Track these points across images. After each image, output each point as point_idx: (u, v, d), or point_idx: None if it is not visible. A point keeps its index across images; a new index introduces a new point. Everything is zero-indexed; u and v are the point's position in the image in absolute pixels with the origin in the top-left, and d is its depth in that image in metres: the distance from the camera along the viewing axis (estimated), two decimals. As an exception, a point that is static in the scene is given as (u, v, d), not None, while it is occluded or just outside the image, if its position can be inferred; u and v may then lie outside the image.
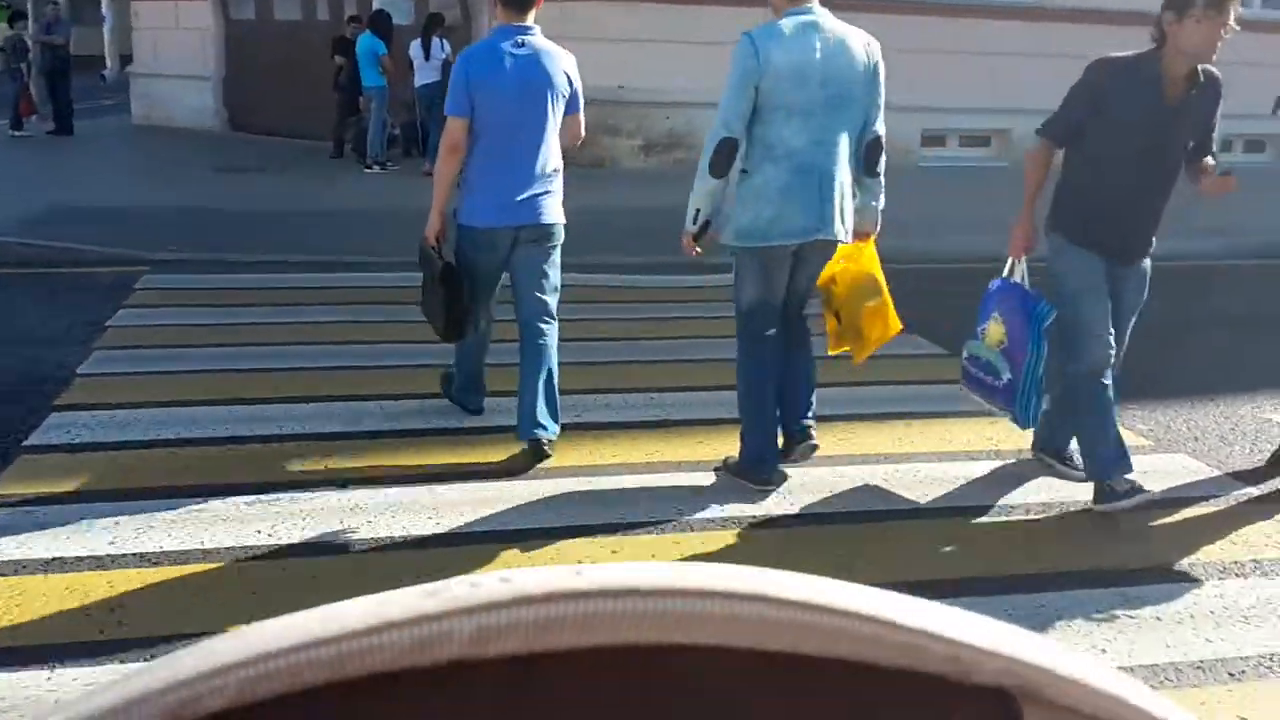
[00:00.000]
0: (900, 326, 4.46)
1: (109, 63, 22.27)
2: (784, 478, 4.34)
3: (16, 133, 16.05)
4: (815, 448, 4.27)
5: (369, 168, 13.30)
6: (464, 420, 4.98)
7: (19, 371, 5.58)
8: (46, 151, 14.98)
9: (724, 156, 3.94)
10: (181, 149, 15.26)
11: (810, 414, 4.27)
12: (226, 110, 17.32)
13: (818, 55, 3.82)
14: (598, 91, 14.16)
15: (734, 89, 3.91)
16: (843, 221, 4.00)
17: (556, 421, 4.44)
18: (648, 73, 14.04)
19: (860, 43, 3.95)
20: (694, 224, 4.06)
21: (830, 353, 4.60)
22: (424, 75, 12.93)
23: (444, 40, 12.99)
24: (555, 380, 4.45)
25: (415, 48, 12.95)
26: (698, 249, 4.12)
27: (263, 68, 16.68)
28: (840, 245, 4.13)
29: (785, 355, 4.21)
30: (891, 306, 4.38)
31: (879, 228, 4.30)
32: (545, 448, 4.43)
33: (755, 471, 4.27)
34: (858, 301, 4.33)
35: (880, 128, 4.06)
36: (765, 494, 4.25)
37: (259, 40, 16.82)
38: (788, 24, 3.88)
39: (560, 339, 4.61)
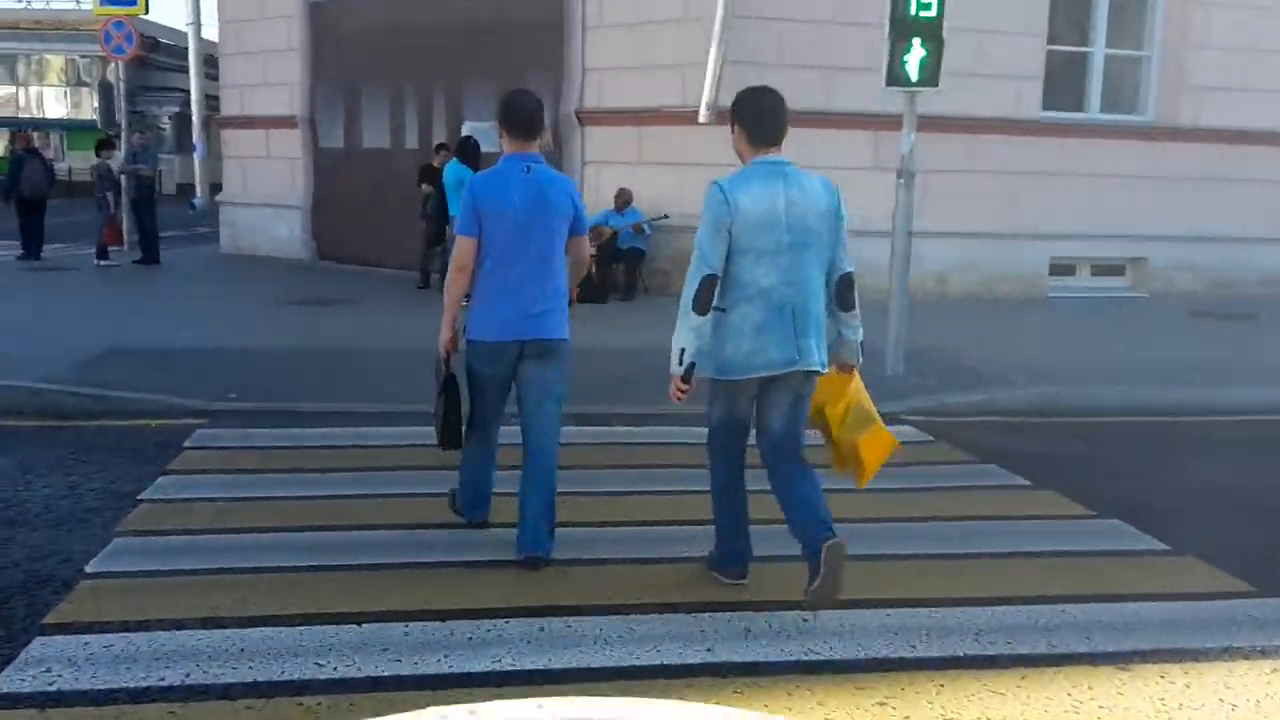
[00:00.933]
0: (897, 443, 4.64)
1: (199, 191, 22.12)
2: (744, 573, 4.52)
3: (101, 262, 15.60)
4: (842, 547, 4.10)
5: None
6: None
7: (21, 568, 4.54)
8: (128, 282, 14.43)
9: (706, 291, 4.10)
10: (266, 280, 14.61)
11: (827, 530, 4.16)
12: (314, 240, 16.75)
13: (782, 202, 4.11)
14: (693, 219, 13.34)
15: (708, 231, 4.13)
16: (820, 353, 4.21)
17: (552, 539, 4.72)
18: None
19: (822, 189, 4.22)
20: (680, 365, 4.14)
21: (834, 473, 4.64)
22: None
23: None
24: (554, 496, 4.74)
25: None
26: (683, 392, 4.15)
27: (350, 197, 16.14)
28: (822, 377, 4.33)
29: (789, 486, 4.30)
30: (884, 428, 4.54)
31: (860, 360, 4.47)
32: (540, 563, 4.64)
33: (729, 566, 4.51)
34: (853, 434, 4.48)
35: (848, 265, 4.29)
36: (740, 585, 4.48)
37: (347, 169, 16.30)
38: (755, 173, 4.21)
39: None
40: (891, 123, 13.53)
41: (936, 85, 8.66)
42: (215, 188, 19.53)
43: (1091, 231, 14.09)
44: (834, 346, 4.35)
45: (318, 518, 5.27)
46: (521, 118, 4.66)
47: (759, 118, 4.29)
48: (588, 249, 4.91)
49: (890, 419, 7.74)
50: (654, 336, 5.80)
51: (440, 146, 13.87)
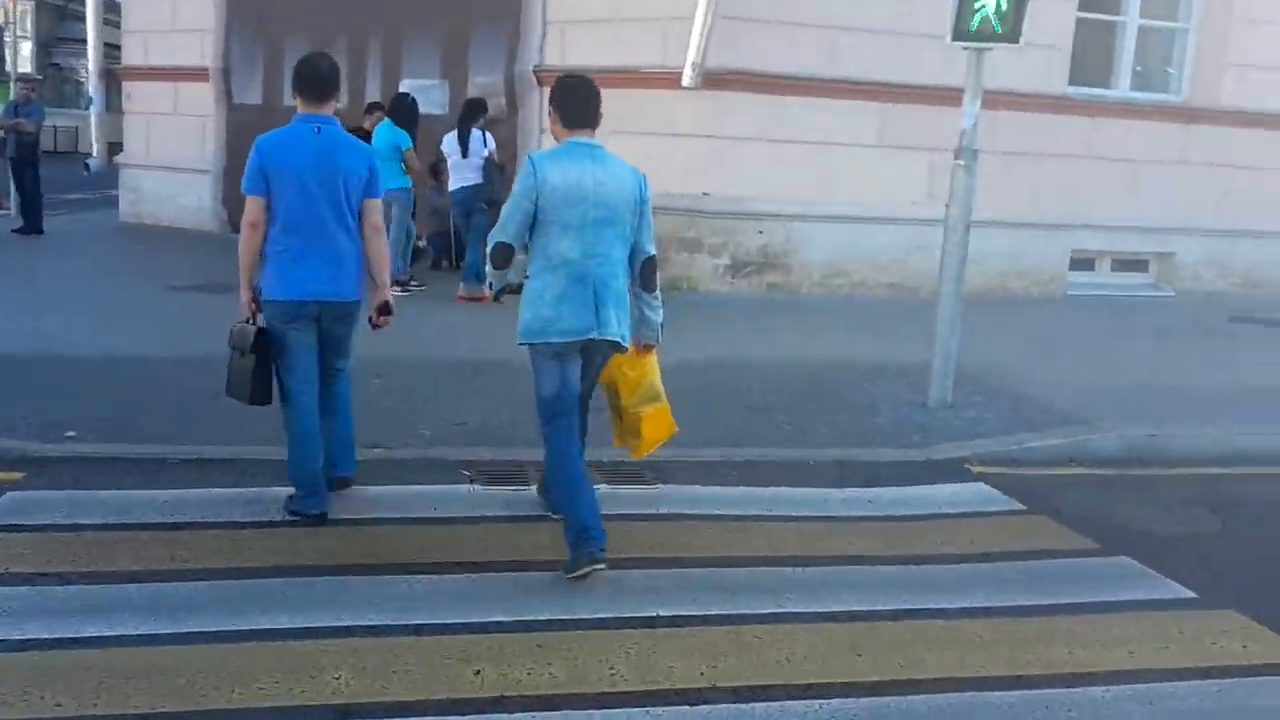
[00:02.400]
0: (676, 429, 4.87)
1: (95, 150, 19.50)
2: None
3: (-26, 231, 13.21)
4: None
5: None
6: None
7: None
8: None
9: (500, 257, 4.40)
10: (164, 257, 12.32)
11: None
12: (226, 210, 14.43)
13: (590, 180, 4.30)
14: (676, 199, 11.27)
15: (513, 201, 4.30)
16: (620, 326, 4.37)
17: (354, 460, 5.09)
18: (737, 177, 11.08)
19: (629, 173, 4.44)
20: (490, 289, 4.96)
21: (615, 445, 4.95)
22: (460, 176, 9.99)
23: (486, 134, 10.07)
24: (352, 428, 5.10)
25: (450, 142, 10.04)
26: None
27: (269, 162, 13.85)
28: (622, 352, 4.53)
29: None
30: (669, 412, 4.78)
31: (660, 340, 4.66)
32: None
33: (582, 545, 4.28)
34: (638, 406, 4.72)
35: (651, 249, 4.48)
36: (600, 563, 4.25)
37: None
38: (566, 151, 4.39)
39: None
40: (902, 93, 11.43)
41: (1018, 40, 6.72)
42: (115, 147, 17.03)
43: (1115, 222, 12.30)
44: (636, 325, 4.53)
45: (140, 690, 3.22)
46: (313, 78, 4.75)
47: (574, 104, 4.48)
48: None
49: (952, 469, 5.91)
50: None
51: (373, 106, 11.66)
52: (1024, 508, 5.42)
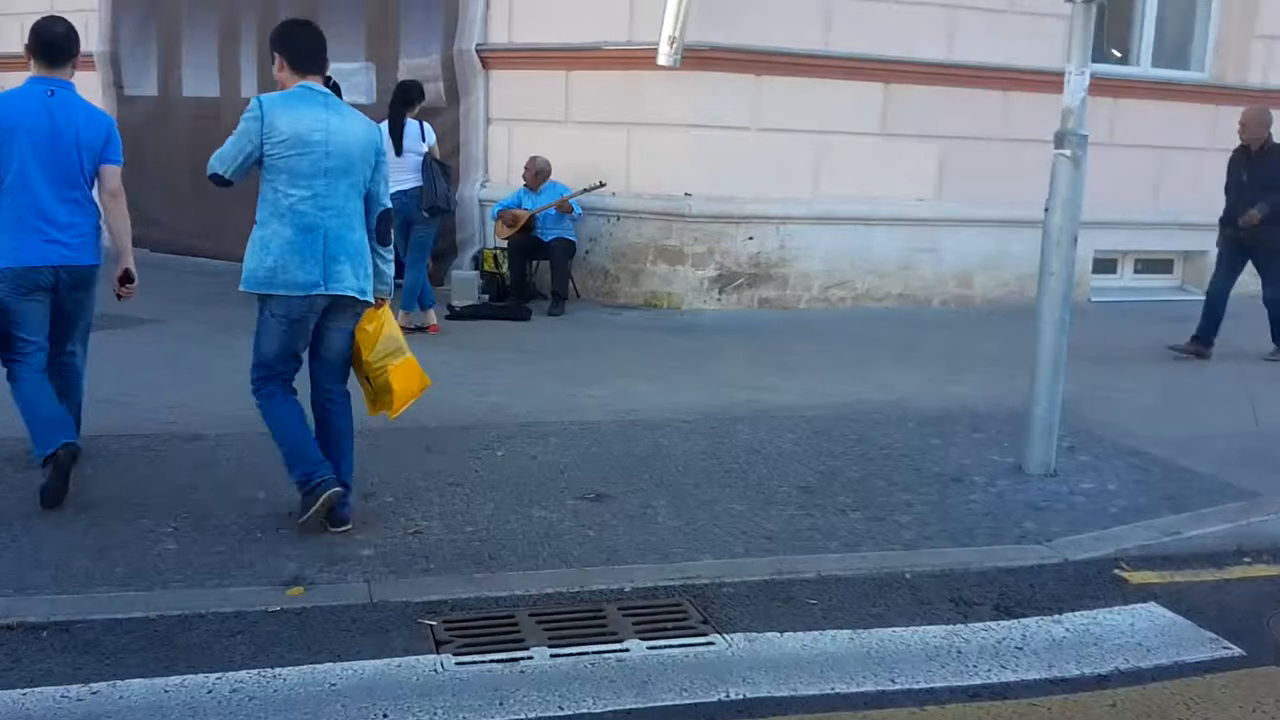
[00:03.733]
0: (429, 381, 4.62)
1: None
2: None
3: None
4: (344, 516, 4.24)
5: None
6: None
7: None
8: None
9: (216, 182, 4.15)
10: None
11: (348, 479, 4.33)
12: (119, 219, 12.30)
13: (324, 127, 4.07)
14: (650, 201, 9.46)
15: (235, 140, 4.09)
16: (358, 280, 4.18)
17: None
18: (723, 173, 9.30)
19: (363, 123, 4.25)
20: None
21: (370, 415, 4.65)
22: (394, 178, 7.95)
23: (424, 125, 8.13)
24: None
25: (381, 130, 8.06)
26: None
27: (167, 163, 11.79)
28: (365, 307, 4.30)
29: (327, 421, 4.39)
30: (416, 362, 4.52)
31: (392, 292, 4.51)
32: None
33: (314, 497, 4.18)
34: (382, 360, 4.46)
35: (387, 201, 4.35)
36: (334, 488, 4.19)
37: (163, 125, 11.93)
38: (298, 96, 4.13)
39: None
40: (909, 73, 9.62)
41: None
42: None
43: (1138, 218, 10.75)
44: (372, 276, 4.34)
45: None
46: (48, 42, 4.53)
47: (303, 46, 4.20)
48: (118, 180, 4.66)
49: (1100, 578, 4.21)
50: (622, 382, 5.72)
51: (286, 94, 9.72)
52: (1240, 651, 3.71)
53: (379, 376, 4.45)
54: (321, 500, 4.15)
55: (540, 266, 9.59)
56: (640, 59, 9.02)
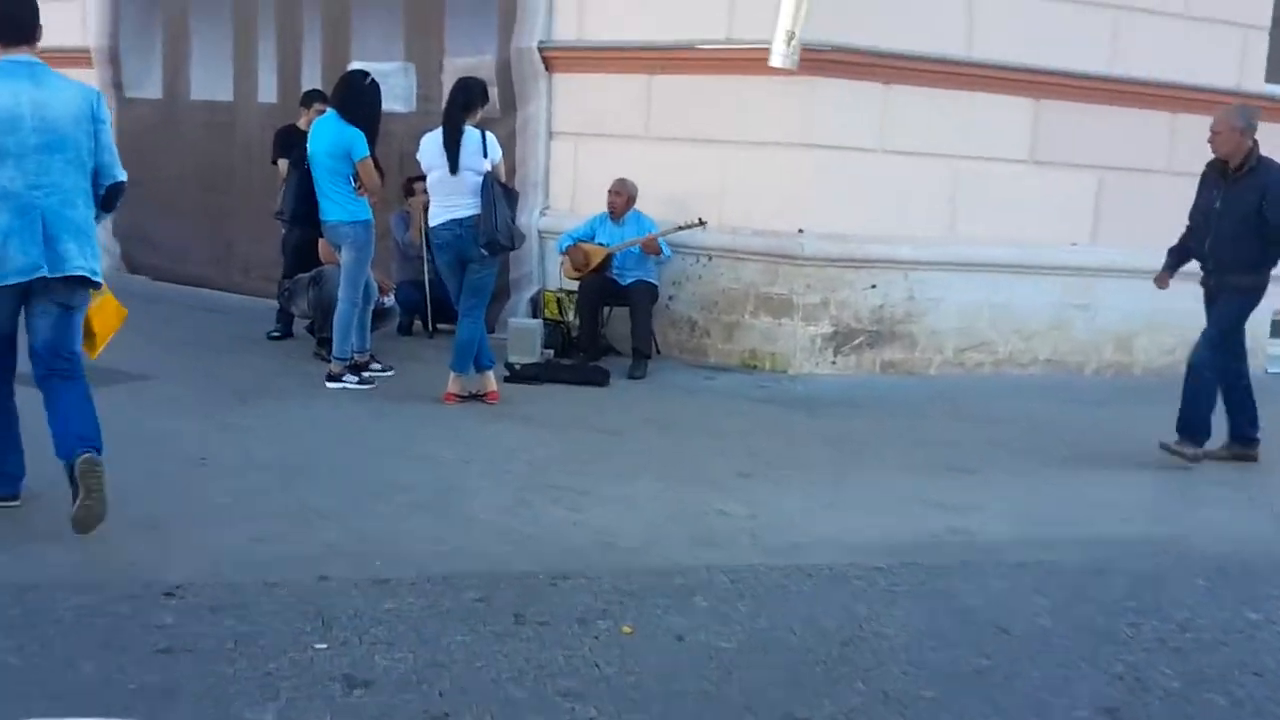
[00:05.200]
0: (125, 312, 4.32)
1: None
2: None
3: None
4: (95, 462, 3.82)
5: (337, 374, 6.46)
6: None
7: None
8: None
9: None
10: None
11: (86, 445, 3.86)
12: (117, 243, 10.50)
13: (27, 102, 3.80)
14: (752, 238, 7.72)
15: None
16: (83, 259, 3.88)
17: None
18: (843, 206, 7.50)
19: (76, 92, 3.92)
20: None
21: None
22: (447, 202, 6.09)
23: (487, 135, 6.26)
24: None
25: (430, 148, 6.16)
26: None
27: (173, 177, 10.02)
28: (94, 287, 3.97)
29: (53, 400, 3.97)
30: (113, 297, 4.24)
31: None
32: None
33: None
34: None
35: (120, 174, 4.04)
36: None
37: (168, 133, 10.14)
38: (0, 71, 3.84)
39: None
40: (1064, 87, 7.67)
41: None
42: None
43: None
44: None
45: None
46: (9, 13, 3.88)
47: (6, 16, 3.85)
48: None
49: None
50: (758, 489, 4.74)
51: (311, 96, 7.90)
52: None
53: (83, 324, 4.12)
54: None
55: (613, 314, 7.78)
56: (742, 61, 7.22)
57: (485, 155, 6.02)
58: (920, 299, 7.67)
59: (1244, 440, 5.90)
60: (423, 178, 7.99)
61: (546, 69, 8.08)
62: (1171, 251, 6.15)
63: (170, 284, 9.89)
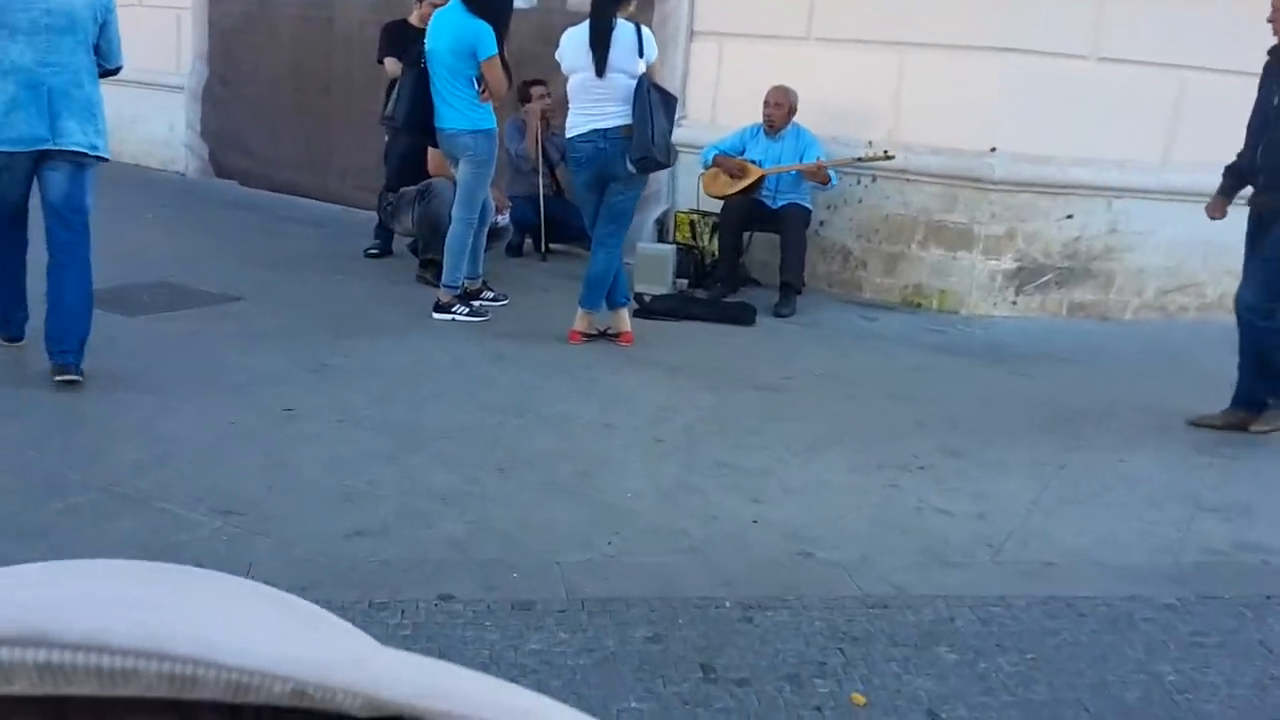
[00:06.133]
0: None
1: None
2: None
3: None
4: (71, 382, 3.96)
5: (446, 304, 5.51)
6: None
7: None
8: None
9: None
10: (123, 205, 7.63)
11: (71, 357, 4.00)
12: (207, 145, 9.68)
13: None
14: (932, 156, 6.56)
15: None
16: (85, 135, 3.95)
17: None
18: (1040, 122, 6.27)
19: None
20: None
21: None
22: (591, 109, 4.96)
23: (641, 30, 5.11)
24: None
25: (572, 45, 5.04)
26: None
27: (268, 77, 9.13)
28: (97, 161, 4.06)
29: (54, 288, 4.05)
30: None
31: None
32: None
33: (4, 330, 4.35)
34: None
35: (120, 60, 4.15)
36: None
37: (264, 30, 9.20)
38: None
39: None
40: None
41: None
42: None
43: None
44: None
45: None
46: None
47: None
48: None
49: None
50: (971, 471, 3.84)
51: (421, -16, 6.87)
52: None
53: None
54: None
55: (754, 240, 6.69)
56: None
57: (641, 54, 4.92)
58: (1123, 232, 6.44)
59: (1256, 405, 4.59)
60: (541, 81, 7.03)
61: (688, -47, 6.92)
62: (1229, 170, 4.78)
63: (261, 190, 9.05)
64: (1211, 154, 6.42)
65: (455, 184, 5.77)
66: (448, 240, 5.44)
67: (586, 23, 4.99)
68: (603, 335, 5.29)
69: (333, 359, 4.70)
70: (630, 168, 4.96)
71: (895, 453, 4.03)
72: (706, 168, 6.52)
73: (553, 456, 3.76)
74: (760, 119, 6.46)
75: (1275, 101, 4.53)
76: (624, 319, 5.29)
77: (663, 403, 4.44)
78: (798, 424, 4.31)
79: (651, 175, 6.99)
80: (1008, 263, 6.31)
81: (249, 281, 5.92)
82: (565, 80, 5.16)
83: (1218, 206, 4.83)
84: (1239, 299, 4.60)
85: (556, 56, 5.16)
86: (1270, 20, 4.52)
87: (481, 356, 4.91)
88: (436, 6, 6.26)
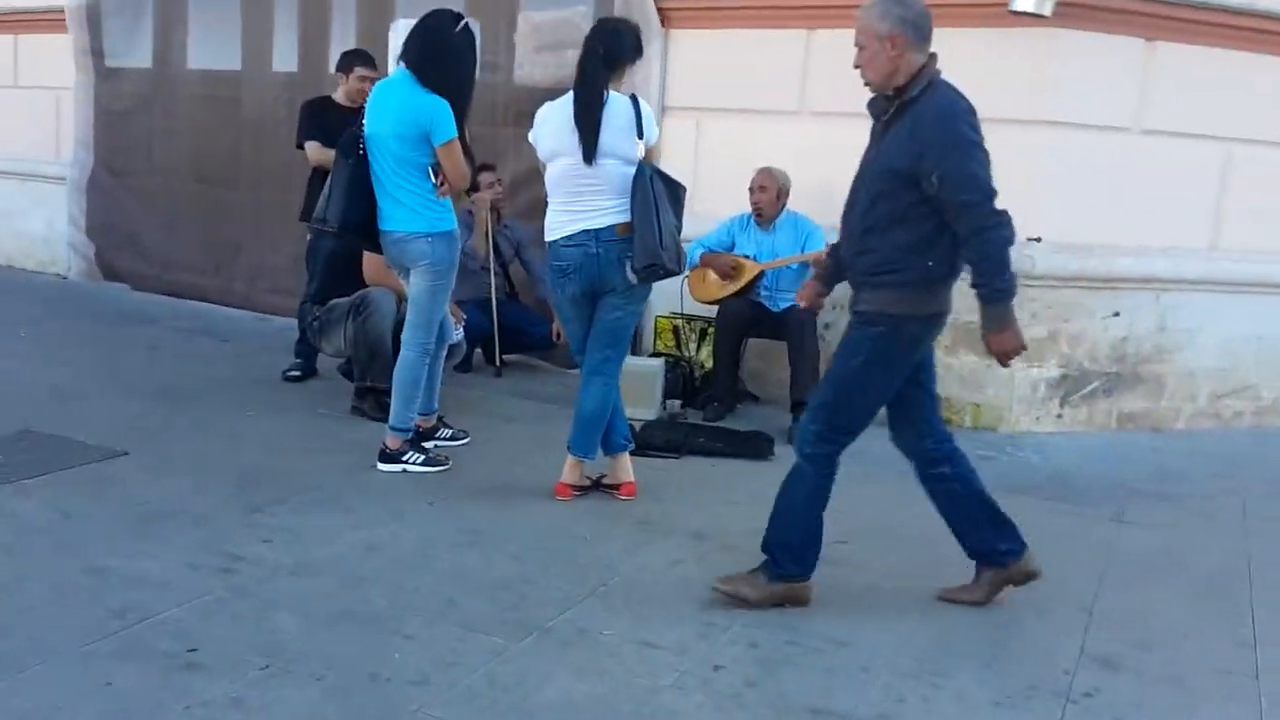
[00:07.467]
0: None
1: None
2: None
3: None
4: None
5: (395, 452, 4.24)
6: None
7: None
8: None
9: None
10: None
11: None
12: (92, 243, 8.29)
13: None
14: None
15: None
16: None
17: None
18: (1088, 206, 5.32)
19: None
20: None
21: None
22: (581, 205, 3.87)
23: (641, 106, 3.94)
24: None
25: (553, 124, 3.89)
26: None
27: (165, 163, 7.86)
28: None
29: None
30: None
31: None
32: None
33: None
34: None
35: None
36: None
37: (159, 111, 7.92)
38: None
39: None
40: None
41: None
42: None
43: None
44: None
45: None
46: None
47: None
48: None
49: None
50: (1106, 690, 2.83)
51: (351, 59, 5.64)
52: None
53: None
54: None
55: (748, 348, 5.61)
56: (951, 8, 5.03)
57: (640, 135, 3.81)
58: (1171, 330, 5.51)
59: None
60: (490, 166, 5.90)
61: (662, 23, 5.89)
62: None
63: (156, 295, 7.70)
64: (1260, 238, 5.61)
65: (398, 295, 4.58)
66: (397, 372, 4.21)
67: (569, 96, 3.86)
68: (596, 485, 4.11)
69: (248, 549, 3.42)
70: (631, 277, 3.82)
71: (1040, 672, 2.90)
72: (693, 268, 5.43)
73: (586, 713, 2.54)
74: (747, 208, 5.45)
75: None
76: (625, 467, 4.11)
77: (702, 596, 3.25)
78: (888, 624, 3.16)
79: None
80: (1051, 369, 5.32)
81: (138, 425, 4.61)
82: (521, 166, 4.04)
83: None
84: None
85: (530, 139, 4.00)
86: None
87: (451, 536, 3.66)
88: (369, 80, 5.12)
